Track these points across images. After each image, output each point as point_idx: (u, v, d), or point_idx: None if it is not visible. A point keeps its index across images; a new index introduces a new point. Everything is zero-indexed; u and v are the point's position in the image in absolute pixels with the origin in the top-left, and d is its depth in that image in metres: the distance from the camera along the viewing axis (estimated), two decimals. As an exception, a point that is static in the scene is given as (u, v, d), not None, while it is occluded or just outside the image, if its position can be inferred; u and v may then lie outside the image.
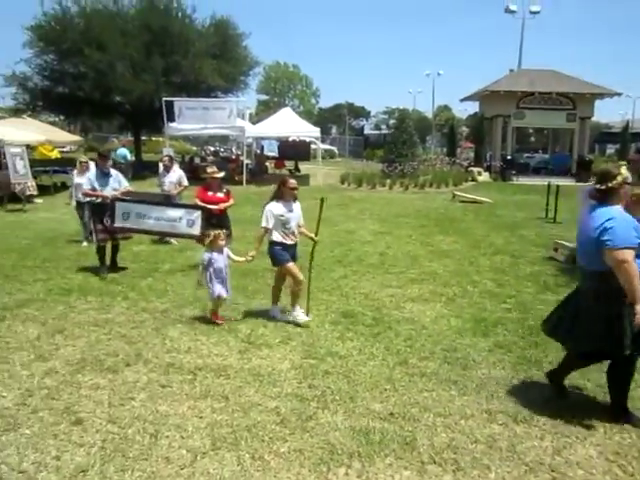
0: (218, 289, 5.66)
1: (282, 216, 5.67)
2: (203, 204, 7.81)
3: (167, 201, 9.50)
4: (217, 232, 5.77)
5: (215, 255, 5.69)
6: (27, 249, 9.32)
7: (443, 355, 4.96)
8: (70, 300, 6.43)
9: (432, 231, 11.52)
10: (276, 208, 5.68)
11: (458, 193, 17.75)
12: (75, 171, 10.36)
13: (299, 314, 5.80)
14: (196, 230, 7.74)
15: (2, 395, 4.06)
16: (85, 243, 9.56)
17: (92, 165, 10.86)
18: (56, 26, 24.40)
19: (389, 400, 4.09)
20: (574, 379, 4.45)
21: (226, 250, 5.85)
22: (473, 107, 42.40)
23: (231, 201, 8.10)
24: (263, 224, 5.67)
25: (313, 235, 6.04)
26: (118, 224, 7.64)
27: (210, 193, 7.97)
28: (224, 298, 5.78)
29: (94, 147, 38.61)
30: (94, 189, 7.67)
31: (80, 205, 9.68)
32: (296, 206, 5.88)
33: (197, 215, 7.72)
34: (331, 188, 20.60)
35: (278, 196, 5.78)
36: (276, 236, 5.70)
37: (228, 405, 3.97)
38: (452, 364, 4.76)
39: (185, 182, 10.38)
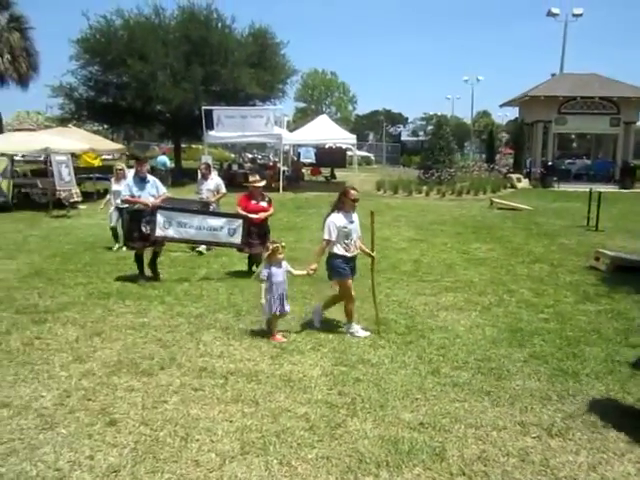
0: (277, 305, 5.40)
1: (345, 228, 5.45)
2: (245, 213, 7.84)
3: (208, 210, 9.48)
4: (275, 245, 5.45)
5: (274, 269, 5.43)
6: (70, 254, 9.63)
7: (477, 365, 4.87)
8: (109, 304, 6.61)
9: (468, 239, 11.35)
10: (338, 219, 5.46)
11: (496, 200, 17.45)
12: (112, 179, 10.65)
13: (357, 330, 5.60)
14: (237, 239, 7.85)
15: (41, 395, 4.20)
16: (117, 247, 9.85)
17: (129, 172, 11.18)
18: (101, 38, 25.25)
19: (420, 409, 4.04)
20: (613, 392, 4.31)
21: (285, 264, 5.56)
22: (513, 113, 41.76)
23: (272, 210, 8.15)
24: (326, 236, 5.44)
25: (370, 251, 5.72)
26: (159, 233, 7.65)
27: (253, 202, 7.96)
28: (284, 315, 5.58)
29: (136, 155, 39.72)
30: (133, 195, 7.69)
31: (119, 211, 9.78)
32: (355, 217, 5.65)
33: (238, 224, 7.79)
34: (367, 195, 20.49)
35: (339, 207, 5.55)
36: (337, 249, 5.48)
37: (258, 410, 4.00)
38: (486, 374, 4.67)
39: (223, 189, 10.41)
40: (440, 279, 7.96)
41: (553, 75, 30.08)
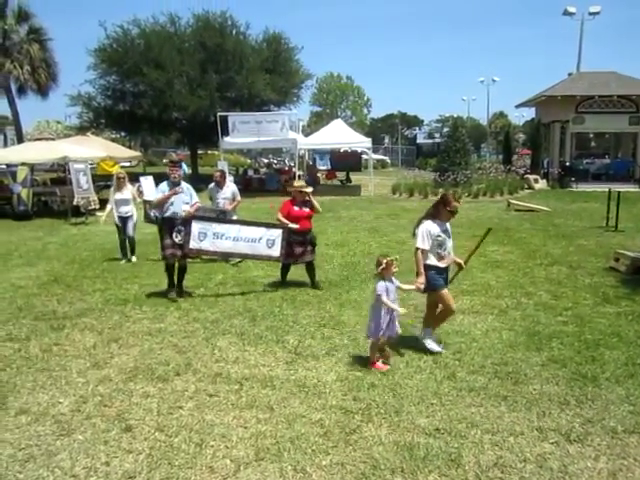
0: (388, 327, 4.85)
1: (439, 237, 5.15)
2: (285, 220, 7.40)
3: (245, 220, 8.66)
4: (389, 259, 4.85)
5: (389, 285, 4.90)
6: (88, 260, 9.76)
7: (493, 369, 4.81)
8: (126, 310, 6.67)
9: (485, 241, 11.19)
10: (433, 228, 5.15)
11: (513, 202, 17.26)
12: (112, 187, 9.99)
13: (431, 343, 5.27)
14: (276, 251, 7.35)
15: (59, 401, 4.25)
16: (124, 261, 9.54)
17: (143, 179, 11.22)
18: (118, 48, 25.66)
19: (435, 415, 4.01)
20: (634, 397, 4.22)
21: (395, 279, 4.97)
22: (529, 113, 41.35)
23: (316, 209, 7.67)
24: (419, 245, 5.12)
25: (462, 262, 5.44)
26: (193, 245, 7.17)
27: (296, 208, 7.48)
28: (392, 338, 5.04)
29: (153, 161, 40.13)
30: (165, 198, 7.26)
31: (123, 222, 9.67)
32: (449, 226, 5.34)
33: (278, 234, 7.31)
34: (382, 198, 20.52)
35: (435, 215, 5.23)
36: (431, 259, 5.17)
37: (273, 416, 4.00)
38: (502, 379, 4.61)
39: (239, 197, 10.02)
40: (456, 282, 7.86)
41: (570, 74, 29.68)
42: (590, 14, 31.35)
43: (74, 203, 15.59)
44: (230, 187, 9.97)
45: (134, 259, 9.62)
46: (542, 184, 23.47)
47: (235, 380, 4.62)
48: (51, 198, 17.74)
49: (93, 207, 15.97)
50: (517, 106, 31.16)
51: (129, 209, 9.76)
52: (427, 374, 4.72)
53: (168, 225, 7.24)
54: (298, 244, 7.52)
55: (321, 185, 27.11)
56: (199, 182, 24.39)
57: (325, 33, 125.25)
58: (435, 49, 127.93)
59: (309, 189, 7.65)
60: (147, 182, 10.99)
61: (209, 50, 25.52)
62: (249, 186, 23.98)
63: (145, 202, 10.09)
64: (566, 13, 31.33)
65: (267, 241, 7.30)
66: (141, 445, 3.61)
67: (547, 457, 3.46)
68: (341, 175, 28.95)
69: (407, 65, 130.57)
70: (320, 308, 6.65)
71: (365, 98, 74.33)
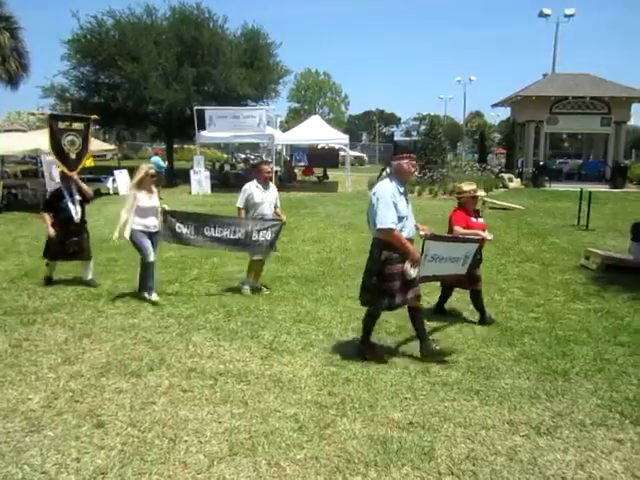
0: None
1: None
2: (485, 234, 6.00)
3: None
4: None
5: None
6: (60, 255, 9.54)
7: (466, 364, 4.87)
8: (99, 305, 6.57)
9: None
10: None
11: (488, 200, 17.44)
12: (133, 189, 6.75)
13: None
14: (463, 269, 5.52)
15: (29, 397, 4.16)
16: (149, 297, 6.76)
17: (117, 173, 10.97)
18: (92, 39, 25.12)
19: (409, 409, 4.04)
20: (602, 390, 4.33)
21: None
22: (505, 113, 41.92)
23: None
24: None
25: None
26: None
27: (473, 219, 6.13)
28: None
29: (128, 155, 39.53)
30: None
31: (150, 238, 6.81)
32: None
33: (473, 248, 5.60)
34: (359, 195, 20.56)
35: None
36: None
37: (247, 411, 3.99)
38: (475, 373, 4.67)
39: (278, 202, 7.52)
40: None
41: (545, 75, 30.21)
42: (565, 16, 31.93)
43: (46, 196, 15.27)
44: (273, 187, 7.35)
45: (156, 297, 6.74)
46: (516, 183, 23.85)
47: (209, 375, 4.59)
48: (22, 191, 17.35)
49: (66, 200, 15.67)
50: (493, 105, 31.59)
51: (157, 222, 6.91)
52: (401, 369, 4.76)
53: None
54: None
55: (298, 181, 27.11)
56: (175, 177, 24.26)
57: (304, 29, 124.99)
58: (414, 47, 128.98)
59: (481, 193, 6.41)
60: (121, 176, 10.81)
61: (185, 43, 25.21)
62: (226, 181, 23.80)
63: (144, 210, 6.82)
64: (542, 15, 31.86)
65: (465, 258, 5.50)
66: (113, 441, 3.56)
67: (518, 450, 3.52)
68: (318, 171, 28.95)
69: (385, 63, 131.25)
70: (296, 304, 6.65)
71: (343, 95, 74.47)
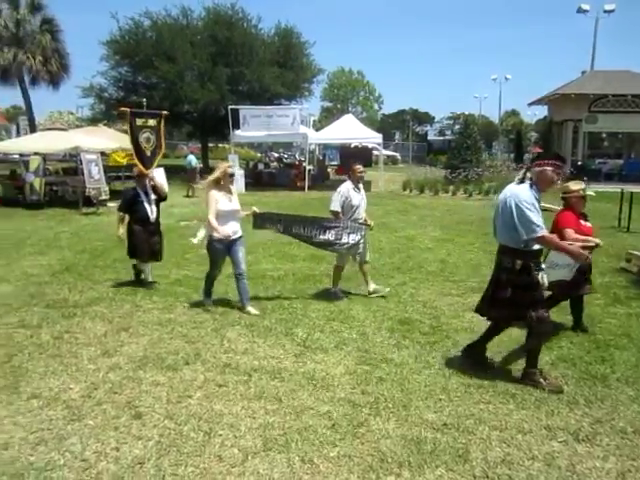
0: None
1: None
2: (586, 240, 5.42)
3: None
4: None
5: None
6: (99, 250, 9.82)
7: (502, 366, 4.80)
8: (136, 299, 6.71)
9: (493, 240, 11.17)
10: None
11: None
12: (211, 192, 6.07)
13: None
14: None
15: (70, 387, 4.29)
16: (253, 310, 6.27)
17: (155, 171, 11.03)
18: (130, 40, 25.72)
19: (443, 410, 4.01)
20: (644, 397, 4.20)
21: None
22: (542, 111, 41.03)
23: None
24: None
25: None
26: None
27: (582, 222, 5.68)
28: None
29: (164, 154, 40.13)
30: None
31: (230, 246, 6.22)
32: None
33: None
34: (392, 194, 20.49)
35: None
36: None
37: (281, 407, 4.02)
38: (511, 376, 4.59)
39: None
40: (466, 279, 7.87)
41: (583, 72, 29.47)
42: (605, 12, 31.06)
43: (85, 193, 15.68)
44: (362, 188, 7.11)
45: (252, 309, 6.25)
46: (553, 183, 23.31)
47: (244, 371, 4.64)
48: (62, 188, 17.86)
49: (104, 197, 16.08)
50: (530, 104, 30.99)
51: (239, 226, 6.32)
52: (435, 370, 4.72)
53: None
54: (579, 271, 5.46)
55: (331, 180, 27.10)
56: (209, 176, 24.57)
57: (337, 27, 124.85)
58: (448, 46, 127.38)
59: (591, 193, 5.96)
60: (158, 174, 10.98)
61: (220, 43, 25.55)
62: (260, 180, 24.00)
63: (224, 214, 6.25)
64: (580, 11, 31.08)
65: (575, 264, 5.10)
66: (150, 432, 3.64)
67: (555, 455, 3.45)
68: (351, 171, 28.90)
69: (419, 62, 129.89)
70: (329, 302, 6.66)
71: (376, 94, 74.09)
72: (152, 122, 7.59)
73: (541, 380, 4.38)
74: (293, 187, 22.11)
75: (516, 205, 4.24)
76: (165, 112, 8.02)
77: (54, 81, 31.38)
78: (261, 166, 28.36)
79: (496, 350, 5.11)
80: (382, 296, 6.92)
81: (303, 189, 21.53)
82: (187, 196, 19.20)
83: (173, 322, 5.89)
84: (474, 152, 22.40)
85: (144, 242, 7.19)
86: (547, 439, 3.64)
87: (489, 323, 4.91)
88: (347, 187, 6.79)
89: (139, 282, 7.41)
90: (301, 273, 8.07)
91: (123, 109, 7.33)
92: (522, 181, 4.41)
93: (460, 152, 22.34)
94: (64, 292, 7.02)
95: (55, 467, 3.25)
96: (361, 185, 6.99)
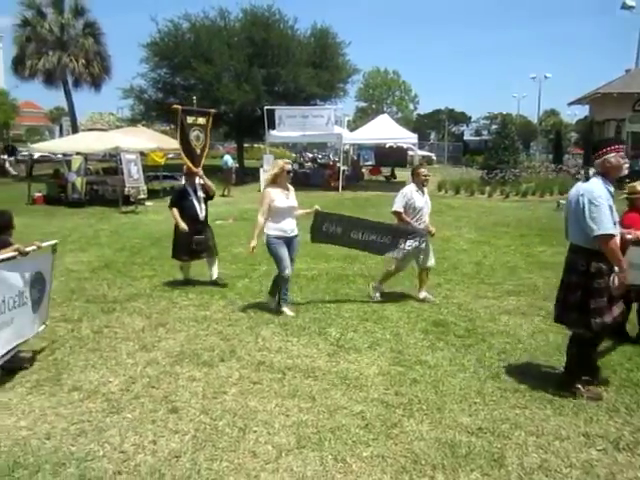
0: None
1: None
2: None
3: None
4: None
5: None
6: (137, 248, 10.05)
7: (539, 371, 4.71)
8: (173, 296, 6.84)
9: (533, 241, 10.98)
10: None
11: (564, 202, 16.77)
12: (266, 189, 6.38)
13: None
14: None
15: (109, 380, 4.42)
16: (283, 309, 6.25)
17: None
18: (169, 42, 26.22)
19: (478, 414, 3.95)
20: (689, 407, 4.05)
21: None
22: (583, 111, 39.96)
23: None
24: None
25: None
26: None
27: None
28: None
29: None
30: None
31: (288, 243, 6.25)
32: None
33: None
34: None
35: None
36: None
37: (314, 406, 4.04)
38: (548, 381, 4.49)
39: None
40: (502, 282, 7.74)
41: (627, 71, 28.56)
42: (652, 8, 30.01)
43: (125, 192, 16.07)
44: (426, 192, 6.99)
45: (287, 310, 6.22)
46: (595, 185, 22.69)
47: (278, 369, 4.68)
48: (103, 187, 18.38)
49: (142, 197, 16.45)
50: (570, 104, 30.27)
51: (295, 224, 6.34)
52: (470, 373, 4.66)
53: None
54: None
55: (365, 181, 27.05)
56: (245, 175, 24.84)
57: (373, 27, 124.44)
58: (485, 44, 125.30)
59: None
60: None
61: (256, 44, 25.79)
62: (294, 180, 24.06)
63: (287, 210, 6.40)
64: (624, 7, 30.07)
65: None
66: (187, 426, 3.71)
67: (594, 464, 3.36)
68: (386, 171, 28.76)
69: (456, 61, 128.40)
70: (362, 302, 6.66)
71: (412, 94, 73.51)
72: (202, 120, 7.60)
73: (579, 386, 4.26)
74: (327, 187, 22.12)
75: (588, 202, 4.05)
76: (213, 110, 8.02)
77: (96, 83, 32.28)
78: (296, 166, 28.49)
79: (539, 354, 5.01)
80: (415, 297, 6.86)
81: (337, 189, 21.54)
82: (223, 195, 19.45)
83: (209, 319, 5.99)
84: (511, 152, 21.98)
85: (184, 243, 7.23)
86: (585, 447, 3.55)
87: (525, 327, 4.79)
88: (410, 189, 6.69)
89: (190, 283, 7.43)
90: (334, 273, 8.08)
91: (175, 106, 7.36)
92: (588, 179, 4.25)
93: (497, 152, 21.94)
94: (103, 288, 7.22)
95: (95, 458, 3.35)
96: (425, 189, 6.84)
